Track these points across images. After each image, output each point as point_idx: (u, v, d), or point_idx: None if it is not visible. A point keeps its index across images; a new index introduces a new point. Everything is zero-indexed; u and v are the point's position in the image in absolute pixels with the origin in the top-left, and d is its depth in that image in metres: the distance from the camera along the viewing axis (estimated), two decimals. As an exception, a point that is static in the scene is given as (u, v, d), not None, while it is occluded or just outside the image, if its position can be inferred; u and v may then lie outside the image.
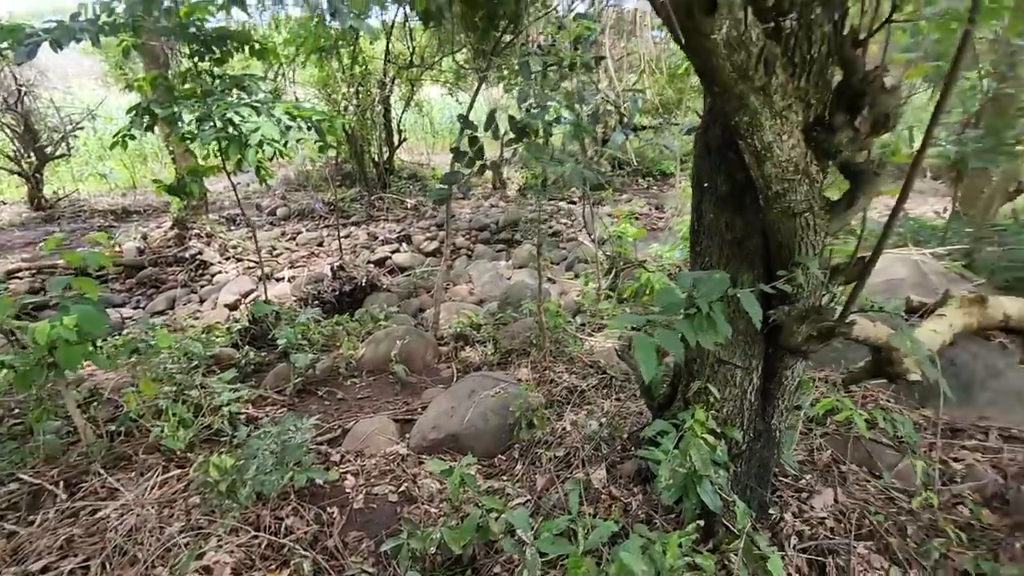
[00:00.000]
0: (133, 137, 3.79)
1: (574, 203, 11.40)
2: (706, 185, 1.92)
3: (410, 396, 3.87)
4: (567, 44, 4.29)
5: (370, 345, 4.44)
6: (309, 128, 4.18)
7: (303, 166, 12.38)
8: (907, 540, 2.20)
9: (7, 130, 10.21)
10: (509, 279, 7.39)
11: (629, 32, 9.59)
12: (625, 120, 5.18)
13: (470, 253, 9.17)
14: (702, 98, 1.92)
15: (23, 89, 10.19)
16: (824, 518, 2.26)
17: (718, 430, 2.04)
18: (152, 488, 2.59)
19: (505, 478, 2.73)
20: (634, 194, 12.76)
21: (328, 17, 4.26)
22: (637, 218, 9.94)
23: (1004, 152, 5.77)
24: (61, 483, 2.62)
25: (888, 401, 3.17)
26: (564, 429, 3.02)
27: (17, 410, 3.23)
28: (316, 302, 6.06)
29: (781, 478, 2.53)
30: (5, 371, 2.64)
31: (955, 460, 2.70)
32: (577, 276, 7.51)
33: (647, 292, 4.18)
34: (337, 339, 4.77)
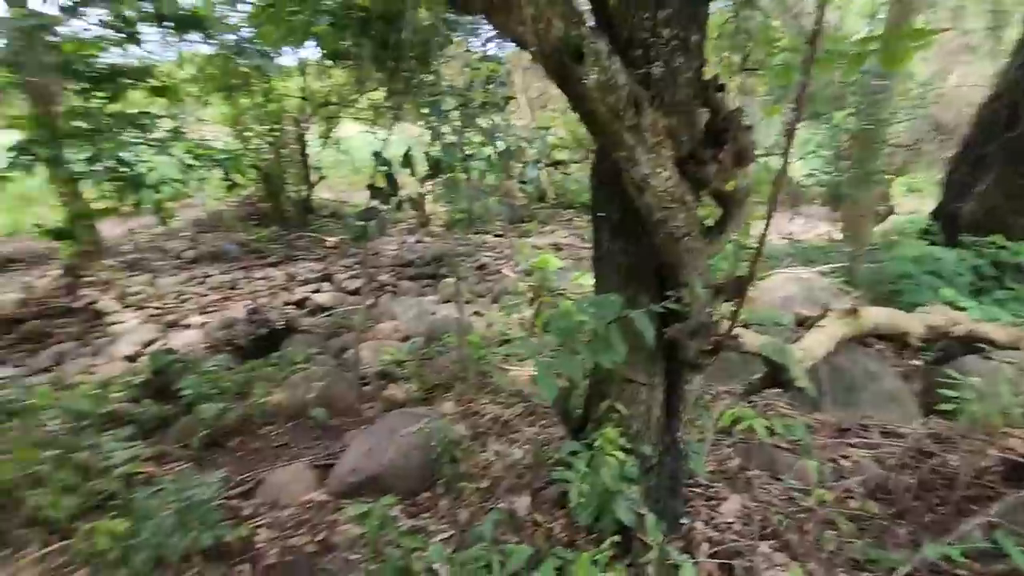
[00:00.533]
0: (11, 179, 3.49)
1: (500, 236, 11.61)
2: (602, 215, 2.05)
3: (331, 440, 3.72)
4: (476, 84, 4.46)
5: (287, 390, 4.25)
6: (215, 167, 4.04)
7: (214, 206, 11.82)
8: (805, 536, 2.37)
9: None
10: (434, 314, 7.35)
11: (538, 73, 10.08)
12: (540, 157, 5.42)
13: (395, 289, 9.05)
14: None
15: None
16: (732, 523, 2.40)
17: (628, 446, 2.12)
18: (27, 565, 2.31)
19: (428, 515, 2.68)
20: (558, 226, 13.21)
21: (235, 55, 4.20)
22: (560, 249, 10.27)
23: (870, 181, 6.55)
24: (-87, 572, 2.28)
25: (786, 407, 3.43)
26: (488, 460, 3.01)
27: None
28: (228, 348, 5.73)
29: (694, 489, 2.66)
30: None
31: (844, 457, 2.96)
32: (503, 308, 7.61)
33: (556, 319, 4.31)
34: (251, 386, 4.52)
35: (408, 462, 2.95)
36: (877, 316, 3.58)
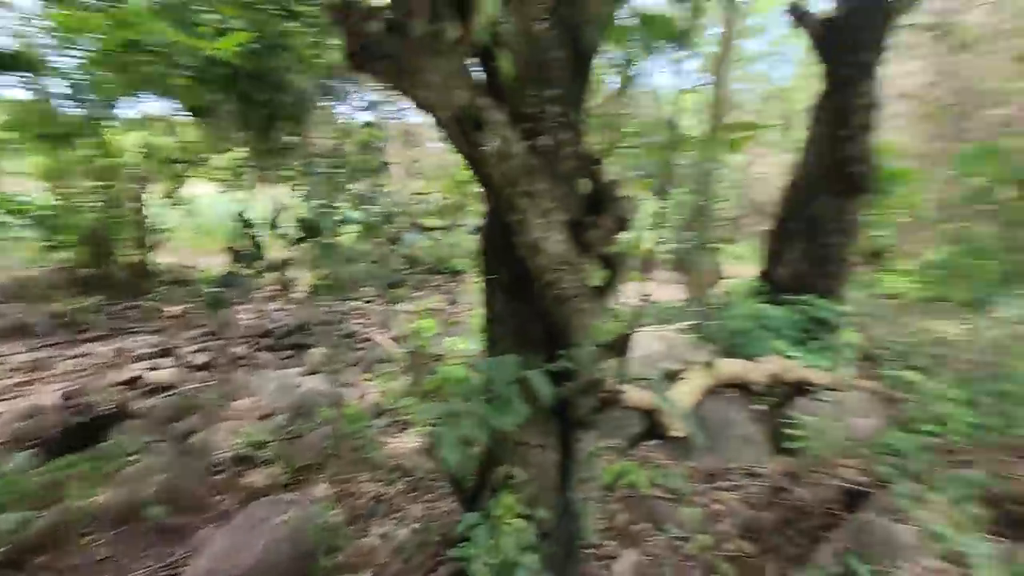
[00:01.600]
0: None
1: (369, 302, 11.24)
2: (493, 278, 2.08)
3: (175, 544, 3.13)
4: (352, 149, 4.42)
5: (115, 488, 3.54)
6: (33, 225, 3.43)
7: (19, 272, 9.92)
8: (692, 584, 2.45)
9: None
10: (299, 387, 6.76)
11: (412, 142, 10.29)
12: (415, 222, 5.45)
13: (252, 362, 8.21)
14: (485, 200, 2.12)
15: None
16: (627, 581, 2.41)
17: (527, 512, 2.06)
18: None
19: (304, 621, 2.32)
20: (430, 291, 13.16)
21: (67, 102, 3.71)
22: (434, 313, 10.18)
23: (707, 249, 7.54)
24: None
25: (661, 458, 3.63)
26: (372, 545, 2.74)
27: None
28: (35, 442, 4.67)
29: (589, 549, 2.64)
30: None
31: (715, 501, 3.17)
32: (376, 377, 7.24)
33: (448, 384, 4.22)
34: (64, 488, 3.69)
35: (279, 558, 2.56)
36: (730, 367, 4.01)
